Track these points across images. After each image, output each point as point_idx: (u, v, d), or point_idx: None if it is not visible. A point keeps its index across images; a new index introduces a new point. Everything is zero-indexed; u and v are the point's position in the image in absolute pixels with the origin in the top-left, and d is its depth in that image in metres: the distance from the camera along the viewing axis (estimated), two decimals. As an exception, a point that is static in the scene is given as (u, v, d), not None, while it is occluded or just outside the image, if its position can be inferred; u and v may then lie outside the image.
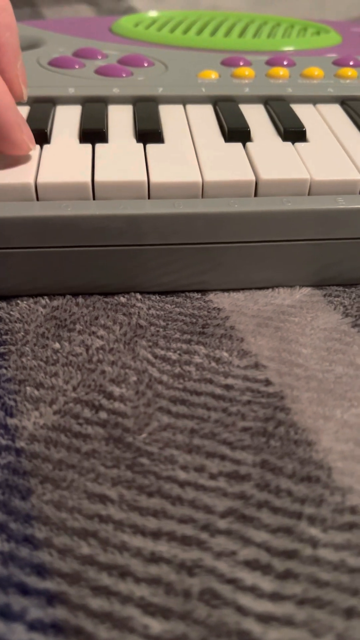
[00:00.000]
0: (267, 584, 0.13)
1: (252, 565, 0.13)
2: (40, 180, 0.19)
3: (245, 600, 0.12)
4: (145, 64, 0.27)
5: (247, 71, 0.26)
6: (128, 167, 0.20)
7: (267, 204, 0.20)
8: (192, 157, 0.21)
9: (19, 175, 0.19)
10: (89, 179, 0.19)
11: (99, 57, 0.28)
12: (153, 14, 0.34)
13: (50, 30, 0.32)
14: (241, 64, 0.28)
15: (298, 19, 0.34)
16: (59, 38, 0.30)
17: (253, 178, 0.20)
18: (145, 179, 0.20)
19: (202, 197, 0.20)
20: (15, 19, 0.20)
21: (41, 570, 0.13)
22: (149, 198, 0.20)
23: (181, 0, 0.46)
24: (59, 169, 0.20)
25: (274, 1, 0.49)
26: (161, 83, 0.26)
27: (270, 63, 0.28)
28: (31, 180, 0.19)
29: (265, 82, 0.26)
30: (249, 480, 0.15)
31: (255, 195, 0.20)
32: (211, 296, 0.21)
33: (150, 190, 0.20)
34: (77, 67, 0.27)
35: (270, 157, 0.21)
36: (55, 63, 0.27)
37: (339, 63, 0.28)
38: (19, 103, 0.23)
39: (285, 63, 0.28)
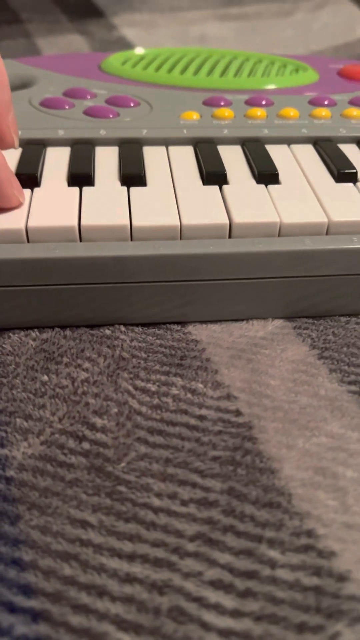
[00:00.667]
0: (229, 601, 0.14)
1: (216, 584, 0.14)
2: (30, 224, 0.21)
3: (209, 616, 0.14)
4: (132, 104, 0.29)
5: (227, 112, 0.28)
6: (112, 210, 0.22)
7: (240, 245, 0.21)
8: (171, 200, 0.22)
9: (11, 220, 0.21)
10: (75, 223, 0.21)
11: (88, 97, 0.30)
12: (140, 51, 0.36)
13: (43, 67, 0.33)
14: (222, 104, 0.29)
15: (278, 54, 0.36)
16: (51, 76, 0.32)
17: (227, 222, 0.21)
18: (128, 223, 0.21)
19: (181, 238, 0.22)
20: (11, 53, 0.22)
21: (27, 590, 0.14)
22: (131, 240, 0.21)
23: (171, 30, 0.48)
24: (48, 212, 0.21)
25: (259, 29, 0.51)
26: (146, 125, 0.27)
27: (250, 103, 0.30)
28: (22, 226, 0.21)
29: (243, 123, 0.28)
30: (217, 507, 0.16)
31: (230, 236, 0.22)
32: (190, 328, 0.23)
33: (132, 233, 0.21)
34: (67, 107, 0.28)
35: (244, 200, 0.22)
36: (47, 104, 0.29)
37: (314, 102, 0.30)
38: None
39: (263, 103, 0.30)
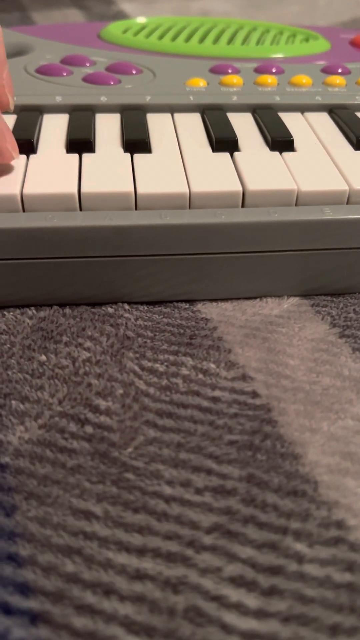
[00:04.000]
0: (252, 600, 0.13)
1: (237, 581, 0.13)
2: (26, 191, 0.19)
3: (230, 617, 0.12)
4: (134, 72, 0.27)
5: (235, 79, 0.26)
6: (115, 177, 0.20)
7: (254, 215, 0.20)
8: (179, 167, 0.21)
9: (4, 186, 0.19)
10: (75, 190, 0.19)
11: (87, 65, 0.28)
12: (142, 20, 0.34)
13: (39, 36, 0.32)
14: (229, 71, 0.28)
15: (287, 25, 0.34)
16: (47, 44, 0.30)
17: (240, 189, 0.20)
18: (132, 190, 0.19)
19: (190, 208, 0.20)
20: (4, 25, 0.20)
21: (24, 589, 0.13)
22: (136, 209, 0.20)
23: (171, 5, 0.46)
24: (45, 179, 0.20)
25: (263, 5, 0.49)
26: (149, 91, 0.25)
27: (259, 71, 0.28)
28: (17, 192, 0.19)
29: (253, 90, 0.26)
30: (235, 495, 0.15)
31: (243, 205, 0.20)
32: (199, 306, 0.21)
33: (137, 201, 0.20)
34: (64, 74, 0.27)
35: (257, 168, 0.21)
36: (43, 71, 0.27)
37: (327, 71, 0.28)
38: (6, 112, 0.22)
39: (273, 71, 0.28)
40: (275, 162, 0.21)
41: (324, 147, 0.23)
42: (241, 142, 0.22)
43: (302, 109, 0.25)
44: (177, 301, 0.21)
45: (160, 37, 0.31)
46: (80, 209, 0.20)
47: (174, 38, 0.31)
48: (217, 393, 0.17)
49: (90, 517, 0.14)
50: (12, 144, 0.19)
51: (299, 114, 0.25)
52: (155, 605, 0.12)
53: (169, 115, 0.24)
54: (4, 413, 0.16)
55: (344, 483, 0.15)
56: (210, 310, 0.21)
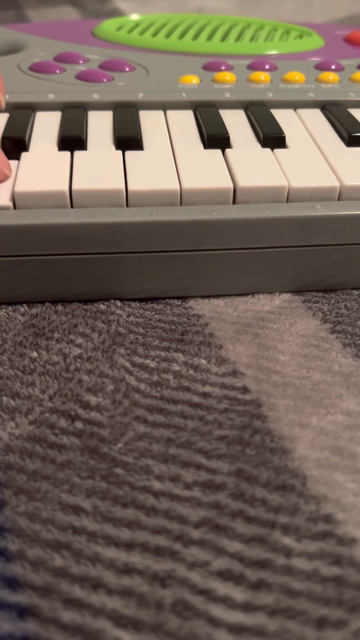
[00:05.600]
0: (239, 594, 0.13)
1: (224, 575, 0.13)
2: (17, 189, 0.19)
3: (217, 611, 0.12)
4: (127, 69, 0.27)
5: (228, 76, 0.26)
6: (106, 174, 0.20)
7: (245, 211, 0.20)
8: (170, 164, 0.21)
9: (-5, 184, 0.19)
10: (66, 188, 0.19)
11: (80, 62, 0.28)
12: (135, 17, 0.34)
13: (32, 33, 0.32)
14: (223, 68, 0.28)
15: (281, 21, 0.34)
16: (41, 42, 0.30)
17: (231, 185, 0.20)
18: (123, 187, 0.19)
19: (181, 204, 0.20)
20: None
21: (13, 583, 0.13)
22: (127, 206, 0.20)
23: (166, 2, 0.46)
24: (36, 177, 0.20)
25: (260, 2, 0.49)
26: (142, 88, 0.26)
27: (252, 67, 0.28)
28: (8, 189, 0.19)
29: (246, 87, 0.26)
30: (224, 490, 0.15)
31: (234, 202, 0.20)
32: (191, 303, 0.21)
33: (128, 198, 0.20)
34: (57, 72, 0.27)
35: (249, 164, 0.21)
36: (36, 68, 0.27)
37: (320, 67, 0.28)
38: (-2, 110, 0.22)
39: (266, 67, 0.28)
40: (266, 159, 0.21)
41: (315, 143, 0.23)
42: (233, 139, 0.22)
43: (295, 105, 0.25)
44: (169, 298, 0.21)
45: (154, 34, 0.31)
46: (72, 206, 0.20)
47: (168, 35, 0.31)
48: (207, 389, 0.17)
49: (79, 512, 0.14)
50: (3, 162, 0.19)
51: (291, 111, 0.25)
52: (143, 599, 0.12)
53: (161, 112, 0.25)
54: (-6, 409, 0.17)
55: (333, 477, 0.15)
56: (202, 307, 0.21)
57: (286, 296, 0.21)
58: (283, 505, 0.14)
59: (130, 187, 0.20)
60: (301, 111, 0.25)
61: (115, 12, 0.45)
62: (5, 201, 0.19)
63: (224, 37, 0.31)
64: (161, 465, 0.15)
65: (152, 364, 0.18)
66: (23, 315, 0.20)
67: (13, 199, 0.19)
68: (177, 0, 0.47)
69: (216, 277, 0.21)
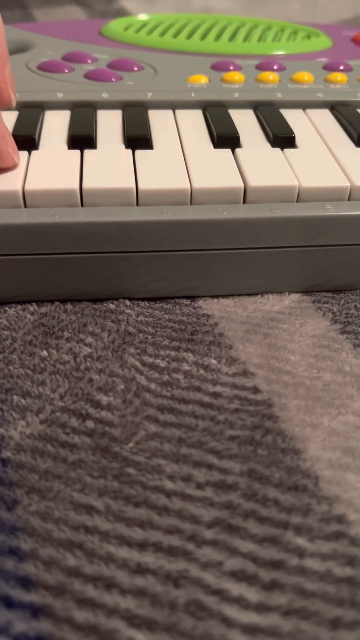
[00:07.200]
0: (252, 594, 0.13)
1: (238, 575, 0.13)
2: (27, 187, 0.19)
3: (231, 611, 0.12)
4: (135, 68, 0.27)
5: (237, 76, 0.26)
6: (116, 173, 0.20)
7: (255, 211, 0.20)
8: (180, 163, 0.21)
9: (6, 183, 0.19)
10: (76, 186, 0.19)
11: (89, 61, 0.28)
12: (143, 17, 0.34)
13: (40, 33, 0.32)
14: (231, 68, 0.27)
15: (289, 22, 0.34)
16: (49, 41, 0.30)
17: (241, 185, 0.20)
18: (134, 186, 0.19)
19: (191, 204, 0.20)
20: (5, 22, 0.20)
21: (26, 583, 0.13)
22: (137, 205, 0.20)
23: (173, 2, 0.46)
24: (46, 175, 0.20)
25: (265, 3, 0.49)
26: (150, 88, 0.25)
27: (261, 67, 0.28)
28: (19, 188, 0.19)
29: (255, 87, 0.26)
30: (236, 490, 0.15)
31: (244, 202, 0.20)
32: (200, 302, 0.21)
33: (138, 197, 0.20)
34: (66, 71, 0.27)
35: (259, 164, 0.21)
36: (44, 67, 0.27)
37: (329, 67, 0.28)
38: (8, 109, 0.22)
39: (275, 67, 0.28)
40: (276, 159, 0.21)
41: (325, 143, 0.23)
42: (242, 139, 0.22)
43: (304, 105, 0.25)
44: (179, 297, 0.21)
45: (162, 34, 0.31)
46: (82, 205, 0.20)
47: (176, 35, 0.31)
48: (218, 389, 0.17)
49: (91, 512, 0.14)
50: (13, 149, 0.19)
51: (300, 111, 0.25)
52: (157, 599, 0.12)
53: (170, 111, 0.24)
54: (5, 408, 0.17)
55: (345, 478, 0.15)
56: (211, 307, 0.21)
57: (295, 296, 0.21)
58: (295, 506, 0.14)
59: (140, 186, 0.19)
60: (310, 111, 0.25)
61: (122, 12, 0.45)
62: (17, 187, 0.19)
63: (232, 37, 0.31)
64: (173, 465, 0.15)
65: (162, 364, 0.18)
66: (32, 314, 0.20)
67: (23, 197, 0.19)
68: (182, 0, 0.47)
69: (225, 276, 0.21)
